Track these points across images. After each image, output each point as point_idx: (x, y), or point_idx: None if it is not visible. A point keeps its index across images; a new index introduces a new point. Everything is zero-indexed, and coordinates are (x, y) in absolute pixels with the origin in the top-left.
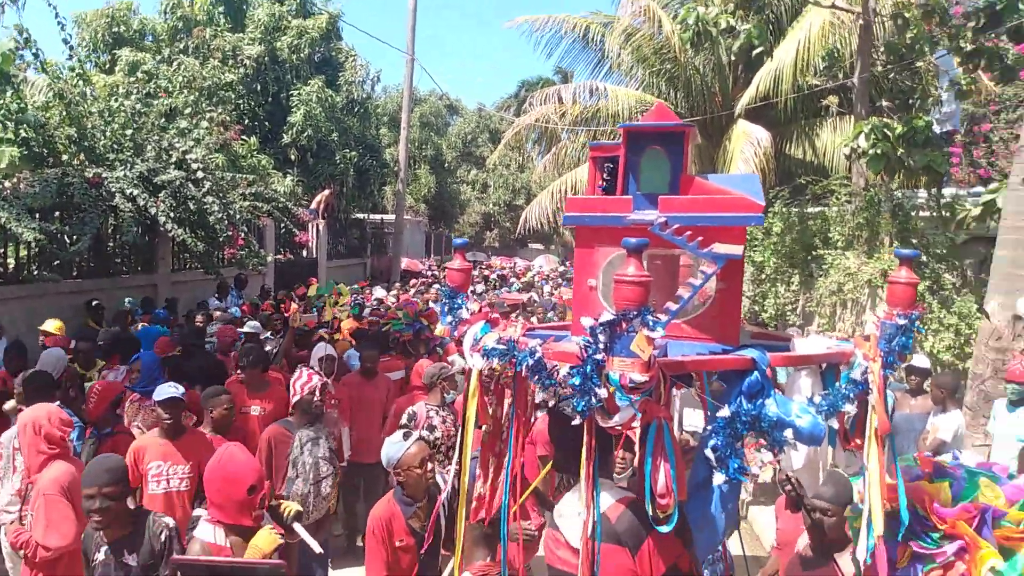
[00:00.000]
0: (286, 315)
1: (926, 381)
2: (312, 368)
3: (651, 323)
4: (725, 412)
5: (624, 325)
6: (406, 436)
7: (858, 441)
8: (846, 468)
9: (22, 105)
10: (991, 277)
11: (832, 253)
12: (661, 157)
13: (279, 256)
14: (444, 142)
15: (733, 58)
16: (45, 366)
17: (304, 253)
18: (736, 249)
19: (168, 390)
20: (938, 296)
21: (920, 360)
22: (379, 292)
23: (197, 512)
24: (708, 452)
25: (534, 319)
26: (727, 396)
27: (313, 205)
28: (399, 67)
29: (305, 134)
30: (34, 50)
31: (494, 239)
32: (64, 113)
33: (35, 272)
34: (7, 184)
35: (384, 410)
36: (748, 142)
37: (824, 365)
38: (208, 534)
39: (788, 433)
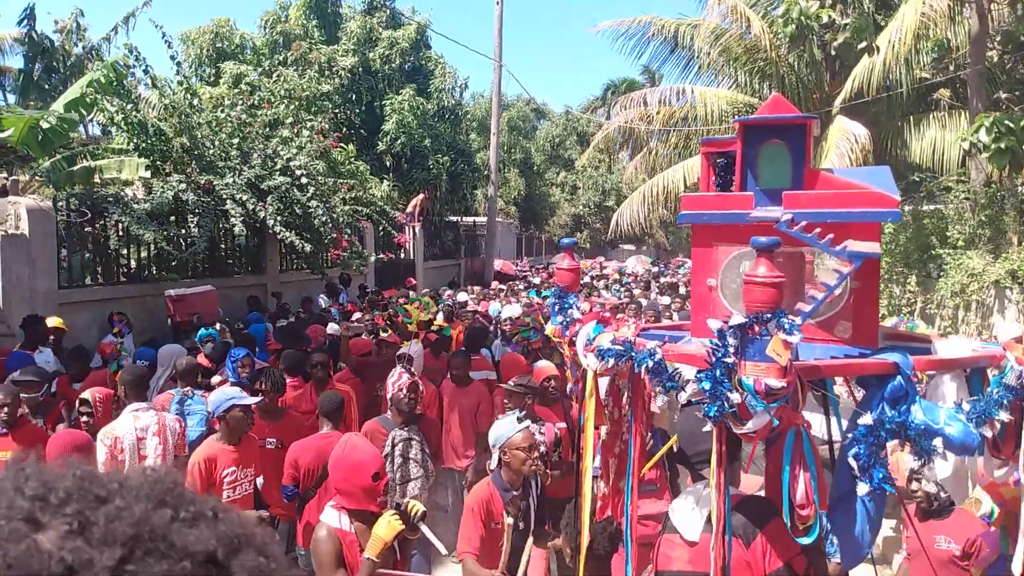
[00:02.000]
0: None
1: None
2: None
3: (787, 326)
4: (867, 419)
5: (757, 328)
6: (520, 420)
7: (1010, 451)
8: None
9: (140, 119)
10: None
11: (951, 253)
12: (782, 150)
13: (380, 257)
14: (532, 145)
15: (833, 53)
16: (163, 361)
17: (402, 254)
18: (873, 247)
19: (246, 399)
20: None
21: None
22: (461, 296)
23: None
24: (851, 461)
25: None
26: (867, 402)
27: (409, 208)
28: (486, 73)
29: (399, 141)
30: (143, 67)
31: (584, 240)
32: (177, 124)
33: (154, 273)
34: (128, 192)
35: (475, 417)
36: (844, 138)
37: (969, 369)
38: (334, 519)
39: (937, 442)
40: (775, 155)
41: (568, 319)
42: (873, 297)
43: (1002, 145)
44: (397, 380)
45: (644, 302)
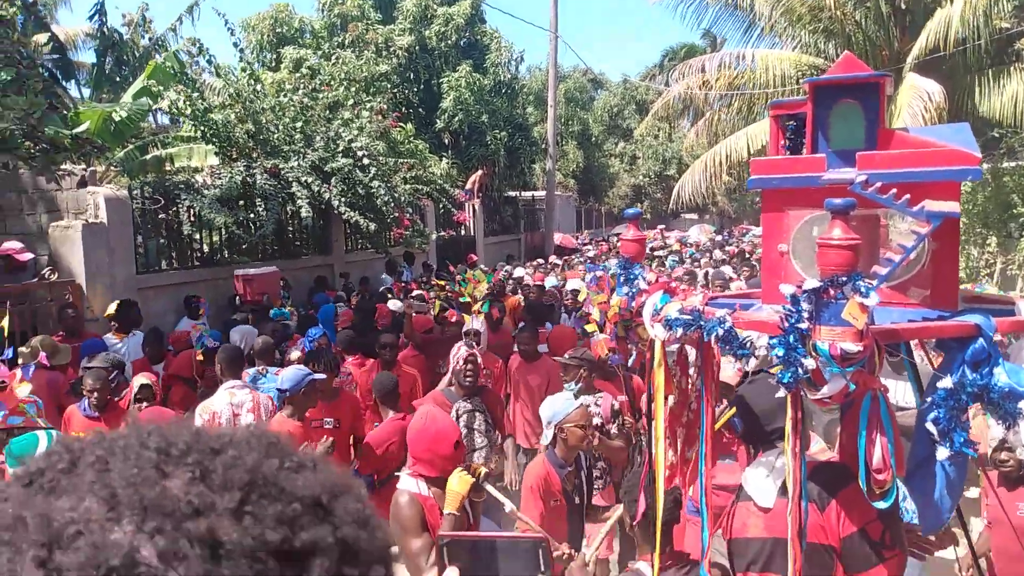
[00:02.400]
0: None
1: None
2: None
3: (864, 289)
4: (947, 383)
5: (832, 292)
6: (576, 395)
7: None
8: None
9: (206, 107)
10: None
11: None
12: (855, 110)
13: (441, 234)
14: (590, 116)
15: (904, 6)
16: (236, 341)
17: (462, 231)
18: (953, 206)
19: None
20: None
21: None
22: (519, 271)
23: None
24: (929, 426)
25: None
26: (947, 366)
27: (468, 185)
28: (542, 45)
29: (456, 118)
30: (207, 56)
31: (646, 210)
32: (241, 111)
33: (226, 256)
34: (198, 178)
35: (545, 393)
36: (917, 97)
37: None
38: (412, 486)
39: (1022, 404)
40: (848, 115)
41: (634, 290)
42: (953, 258)
43: None
44: (456, 353)
45: (710, 271)
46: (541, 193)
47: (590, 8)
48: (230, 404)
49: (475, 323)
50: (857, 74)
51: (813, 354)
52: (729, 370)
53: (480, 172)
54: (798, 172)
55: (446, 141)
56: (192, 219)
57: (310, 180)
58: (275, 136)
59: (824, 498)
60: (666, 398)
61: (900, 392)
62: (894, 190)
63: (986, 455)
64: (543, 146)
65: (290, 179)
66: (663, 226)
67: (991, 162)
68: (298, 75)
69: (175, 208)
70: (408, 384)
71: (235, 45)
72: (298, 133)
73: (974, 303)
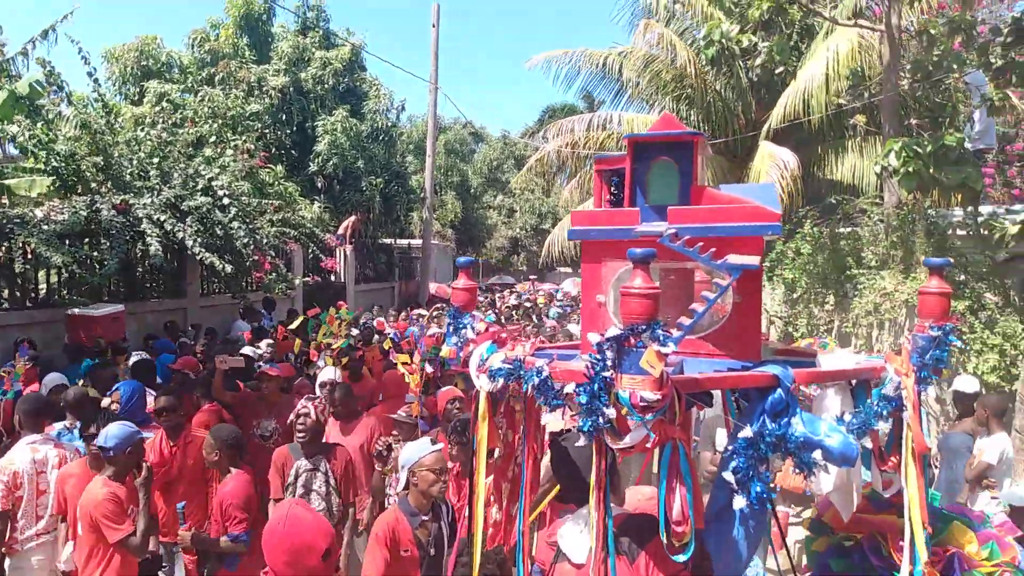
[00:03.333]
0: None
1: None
2: (312, 396)
3: (661, 337)
4: (748, 432)
5: (632, 340)
6: (432, 442)
7: (893, 460)
8: (883, 491)
9: (51, 136)
10: None
11: (866, 273)
12: (670, 167)
13: (307, 280)
14: (470, 168)
15: (755, 79)
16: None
17: (333, 277)
18: (752, 259)
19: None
20: (980, 316)
21: (967, 383)
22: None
23: None
24: (727, 475)
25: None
26: (748, 415)
27: (340, 231)
28: (424, 96)
29: (331, 162)
30: (59, 83)
31: (521, 263)
32: (92, 143)
33: (65, 296)
34: (38, 212)
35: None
36: (774, 164)
37: (854, 382)
38: None
39: (818, 454)
40: (664, 172)
41: (462, 339)
42: (755, 311)
43: (910, 169)
44: (297, 408)
45: (551, 322)
46: (418, 241)
47: (473, 64)
48: (32, 461)
49: (328, 373)
50: (672, 131)
51: (615, 403)
52: (558, 422)
53: (354, 218)
54: (614, 224)
55: (319, 185)
56: (29, 256)
57: (163, 218)
58: (128, 171)
59: (634, 550)
60: (491, 452)
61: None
62: (700, 243)
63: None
64: (421, 195)
65: (140, 216)
66: (534, 277)
67: (831, 227)
68: (159, 109)
69: (7, 244)
70: (196, 451)
71: (90, 75)
72: (154, 169)
73: (780, 355)
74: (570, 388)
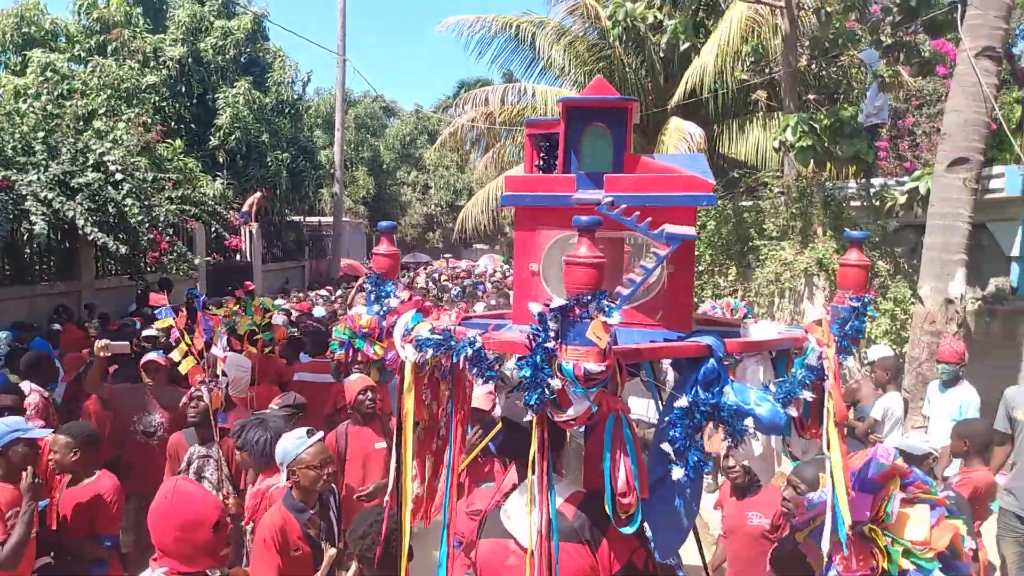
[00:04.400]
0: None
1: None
2: (209, 379)
3: (607, 308)
4: (682, 402)
5: (578, 311)
6: (310, 433)
7: (814, 429)
8: (803, 456)
9: None
10: (922, 263)
11: (767, 244)
12: (603, 134)
13: (210, 260)
14: (381, 143)
15: (663, 55)
16: None
17: (238, 257)
18: (689, 230)
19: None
20: (873, 283)
21: (881, 351)
22: (279, 300)
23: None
24: (665, 446)
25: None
26: (682, 385)
27: (244, 208)
28: (332, 68)
29: (233, 136)
30: None
31: (437, 240)
32: None
33: None
34: None
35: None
36: (682, 138)
37: (774, 352)
38: None
39: (748, 422)
40: (597, 138)
41: (385, 308)
42: (688, 282)
43: (806, 143)
44: (191, 391)
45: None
46: (329, 219)
47: (384, 35)
48: None
49: (228, 362)
50: (607, 96)
51: (559, 374)
52: (480, 394)
53: (259, 194)
54: (549, 191)
55: (221, 160)
56: None
57: (50, 196)
58: (9, 146)
59: (596, 535)
60: (416, 424)
61: (643, 408)
62: (637, 212)
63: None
64: (330, 170)
65: (25, 193)
66: (449, 255)
67: (733, 199)
68: (43, 79)
69: None
70: None
71: None
72: (39, 143)
73: (707, 325)
74: (510, 361)
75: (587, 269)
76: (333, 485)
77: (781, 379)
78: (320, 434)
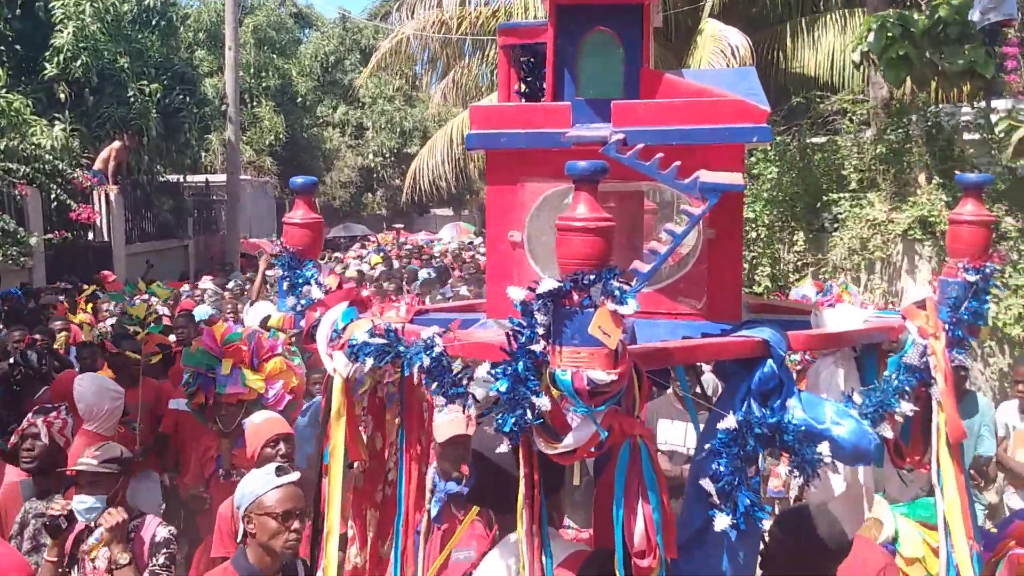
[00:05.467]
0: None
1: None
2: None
3: (618, 292)
4: (730, 422)
5: (576, 296)
6: (280, 472)
7: (917, 456)
8: (902, 494)
9: None
10: None
11: (848, 198)
12: (610, 44)
13: (51, 239)
14: (294, 67)
15: None
16: None
17: (91, 235)
18: (734, 177)
19: None
20: (998, 248)
21: None
22: (205, 283)
23: None
24: (705, 484)
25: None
26: (729, 399)
27: (98, 164)
28: None
29: (78, 62)
30: None
31: (379, 204)
32: None
33: None
34: None
35: None
36: (719, 50)
37: (860, 348)
38: None
39: (823, 448)
40: (602, 50)
41: (303, 302)
42: (735, 252)
43: (897, 53)
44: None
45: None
46: (221, 177)
47: None
48: None
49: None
50: None
51: (550, 388)
52: (444, 420)
53: (118, 144)
54: (534, 126)
55: (62, 97)
56: None
57: None
58: None
59: None
60: (351, 466)
61: (679, 435)
62: (660, 154)
63: None
64: (221, 107)
65: None
66: (401, 226)
67: (798, 136)
68: None
69: None
70: None
71: None
72: None
73: (762, 312)
74: (481, 371)
75: (589, 237)
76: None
77: (870, 386)
78: (294, 476)
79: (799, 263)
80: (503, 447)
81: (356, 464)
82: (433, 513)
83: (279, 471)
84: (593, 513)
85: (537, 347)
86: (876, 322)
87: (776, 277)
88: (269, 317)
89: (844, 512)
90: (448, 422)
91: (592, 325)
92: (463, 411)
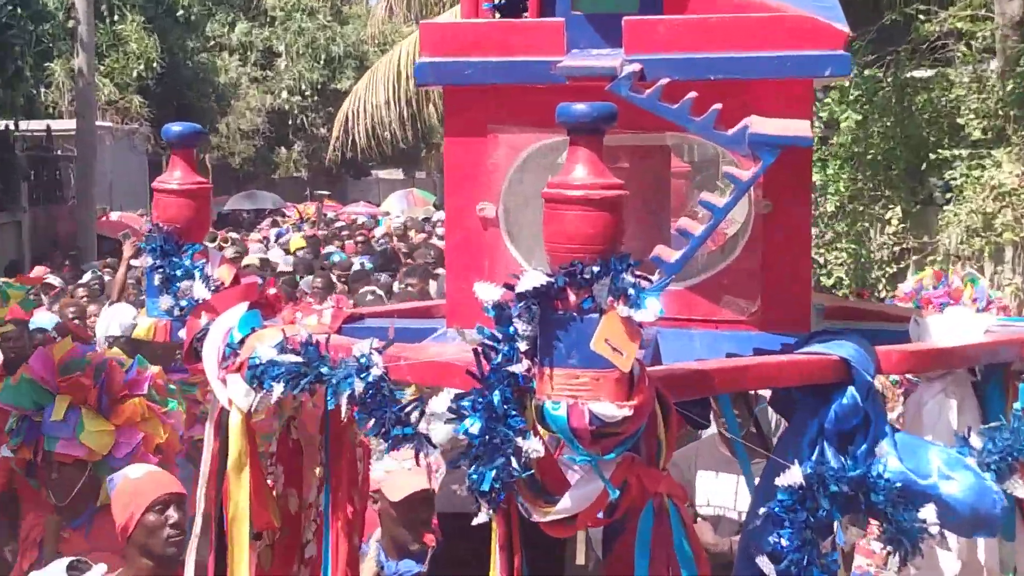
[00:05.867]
0: None
1: None
2: None
3: (633, 291)
4: (795, 477)
5: (573, 297)
6: (75, 569)
7: None
8: None
9: None
10: None
11: (966, 156)
12: None
13: None
14: None
15: None
16: None
17: None
18: (800, 127)
19: None
20: None
21: None
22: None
23: None
24: (763, 563)
25: None
26: (794, 442)
27: None
28: None
29: None
30: None
31: (297, 163)
32: None
33: None
34: None
35: None
36: None
37: (981, 370)
38: None
39: (928, 513)
40: None
41: (184, 303)
42: (801, 233)
43: None
44: None
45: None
46: (68, 124)
47: None
48: None
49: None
50: None
51: (538, 427)
52: (407, 471)
53: None
54: (513, 54)
55: None
56: None
57: None
58: None
59: None
60: (257, 536)
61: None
62: (693, 93)
63: None
64: (67, 23)
65: None
66: (327, 193)
67: (893, 68)
68: None
69: None
70: None
71: None
72: None
73: (840, 319)
74: (439, 403)
75: (590, 211)
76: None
77: (994, 424)
78: (99, 569)
79: (894, 249)
80: (482, 517)
81: (264, 535)
82: None
83: (72, 568)
84: None
85: (518, 368)
86: (1003, 333)
87: (860, 269)
88: (134, 327)
89: None
90: (405, 472)
91: (596, 338)
92: (416, 458)
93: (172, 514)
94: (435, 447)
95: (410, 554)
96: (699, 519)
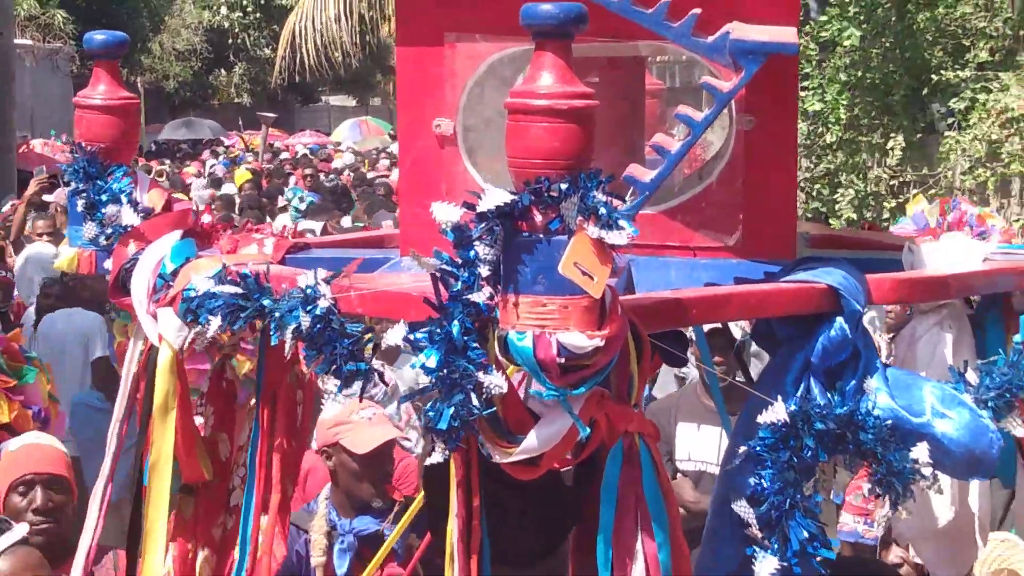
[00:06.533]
0: None
1: None
2: None
3: (605, 211)
4: (778, 414)
5: (539, 217)
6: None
7: None
8: None
9: None
10: None
11: (971, 79)
12: None
13: None
14: None
15: None
16: None
17: None
18: (785, 33)
19: None
20: None
21: None
22: None
23: None
24: (741, 507)
25: None
26: (777, 378)
27: None
28: None
29: None
30: None
31: (239, 87)
32: None
33: None
34: None
35: None
36: None
37: (977, 301)
38: None
39: (920, 452)
40: None
41: (111, 230)
42: (786, 151)
43: None
44: None
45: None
46: None
47: None
48: None
49: None
50: None
51: (501, 360)
52: (370, 420)
53: None
54: None
55: None
56: None
57: None
58: None
59: None
60: (188, 492)
61: (710, 448)
62: None
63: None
64: None
65: None
66: (273, 116)
67: None
68: None
69: None
70: None
71: None
72: None
73: (823, 247)
74: (395, 334)
75: (557, 123)
76: None
77: (991, 359)
78: (20, 529)
79: (894, 182)
80: (436, 456)
81: (192, 488)
82: (339, 571)
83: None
84: (570, 556)
85: (479, 296)
86: (1002, 262)
87: (861, 198)
88: (53, 261)
89: (950, 552)
90: (367, 423)
91: (565, 261)
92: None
93: (37, 497)
94: (386, 385)
95: (371, 510)
96: (679, 475)
